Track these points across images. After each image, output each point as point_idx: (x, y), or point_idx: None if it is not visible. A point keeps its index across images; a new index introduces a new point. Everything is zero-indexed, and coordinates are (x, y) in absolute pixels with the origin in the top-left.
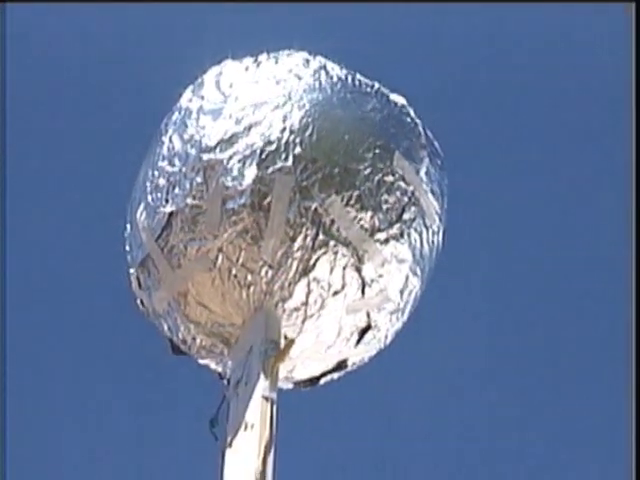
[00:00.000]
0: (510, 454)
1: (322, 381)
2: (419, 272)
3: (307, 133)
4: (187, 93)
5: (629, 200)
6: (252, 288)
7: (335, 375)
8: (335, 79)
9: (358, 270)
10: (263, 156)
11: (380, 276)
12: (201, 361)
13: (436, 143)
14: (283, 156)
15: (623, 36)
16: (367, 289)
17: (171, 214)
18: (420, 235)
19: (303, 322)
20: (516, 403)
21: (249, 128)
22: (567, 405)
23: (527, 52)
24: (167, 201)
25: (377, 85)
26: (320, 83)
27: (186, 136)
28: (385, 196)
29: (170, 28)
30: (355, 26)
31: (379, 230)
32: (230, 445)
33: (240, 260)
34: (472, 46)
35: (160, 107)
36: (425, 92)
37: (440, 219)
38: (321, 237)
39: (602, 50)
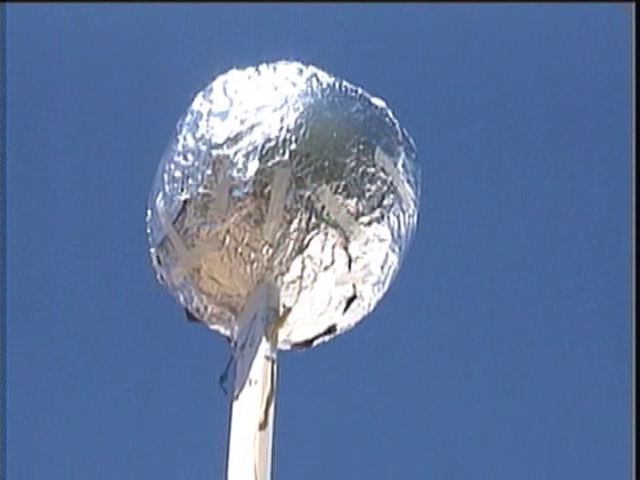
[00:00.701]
0: (505, 415)
1: (315, 343)
2: (397, 250)
3: (301, 132)
4: (198, 98)
5: (629, 199)
6: (255, 264)
7: (326, 338)
8: (325, 85)
9: (345, 248)
10: (264, 152)
11: (364, 253)
12: (212, 327)
13: (411, 139)
14: (281, 151)
15: (623, 36)
16: (353, 264)
17: (185, 201)
18: (398, 218)
19: (299, 293)
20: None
21: (252, 128)
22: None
23: (525, 52)
24: (182, 190)
25: (360, 90)
26: (312, 89)
27: (198, 135)
28: (368, 185)
29: (183, 42)
30: (342, 34)
31: (363, 214)
32: (237, 398)
33: (245, 240)
34: (470, 45)
35: (175, 110)
36: (421, 90)
37: (415, 204)
38: (313, 220)
39: (602, 50)
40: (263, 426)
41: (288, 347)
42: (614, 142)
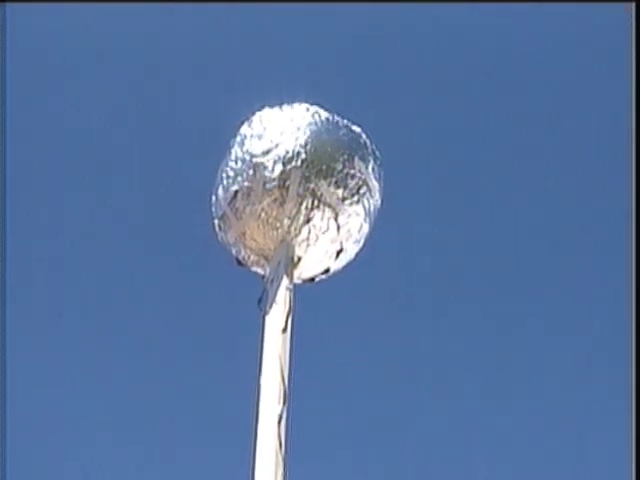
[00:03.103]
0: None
1: (316, 280)
2: (368, 221)
3: (308, 147)
4: (244, 126)
5: (629, 197)
6: (279, 230)
7: (323, 276)
8: (323, 118)
9: (335, 219)
10: (285, 160)
11: (347, 223)
12: (253, 269)
13: (377, 152)
14: (295, 160)
15: (623, 36)
16: (340, 229)
17: (236, 191)
18: (368, 201)
19: (306, 248)
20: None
21: (277, 145)
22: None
23: (526, 52)
24: (234, 183)
25: (345, 121)
26: (315, 120)
27: (244, 149)
28: (350, 180)
29: (236, 90)
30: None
31: (346, 199)
32: (268, 313)
33: (273, 214)
34: (472, 44)
35: (230, 133)
36: (422, 97)
37: (379, 193)
38: (316, 203)
39: (602, 50)
40: (284, 330)
41: (300, 282)
42: (614, 141)
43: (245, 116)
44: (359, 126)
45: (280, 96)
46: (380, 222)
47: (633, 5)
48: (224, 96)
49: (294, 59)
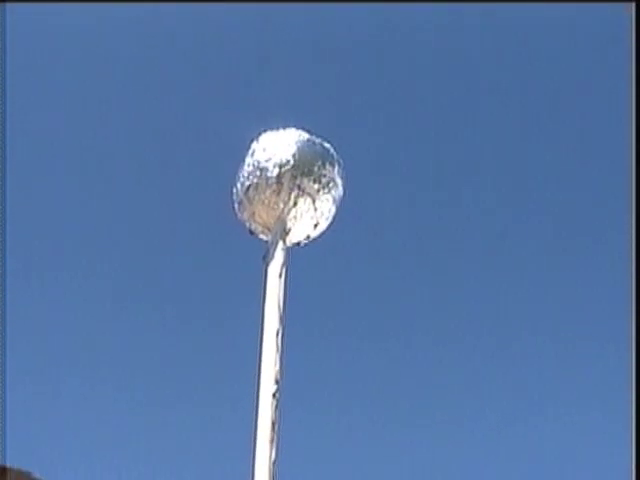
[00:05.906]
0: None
1: (301, 243)
2: (335, 205)
3: (295, 157)
4: (254, 142)
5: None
6: (277, 211)
7: (305, 241)
8: (305, 138)
9: (314, 204)
10: (280, 165)
11: (321, 206)
12: (260, 236)
13: (341, 160)
14: (287, 164)
15: (623, 36)
16: (317, 210)
17: (249, 185)
18: (335, 192)
19: (294, 222)
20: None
21: (275, 154)
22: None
23: (526, 51)
24: (247, 180)
25: (320, 139)
26: (300, 139)
27: (254, 158)
28: (323, 178)
29: (249, 123)
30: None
31: (320, 190)
32: (269, 264)
33: (273, 200)
34: (473, 43)
35: (242, 151)
36: (429, 98)
37: (342, 186)
38: (300, 193)
39: (602, 49)
40: (280, 276)
41: (290, 245)
42: (614, 141)
43: (255, 136)
44: (330, 143)
45: (278, 123)
46: (344, 206)
47: (633, 5)
48: (240, 123)
49: (288, 93)
